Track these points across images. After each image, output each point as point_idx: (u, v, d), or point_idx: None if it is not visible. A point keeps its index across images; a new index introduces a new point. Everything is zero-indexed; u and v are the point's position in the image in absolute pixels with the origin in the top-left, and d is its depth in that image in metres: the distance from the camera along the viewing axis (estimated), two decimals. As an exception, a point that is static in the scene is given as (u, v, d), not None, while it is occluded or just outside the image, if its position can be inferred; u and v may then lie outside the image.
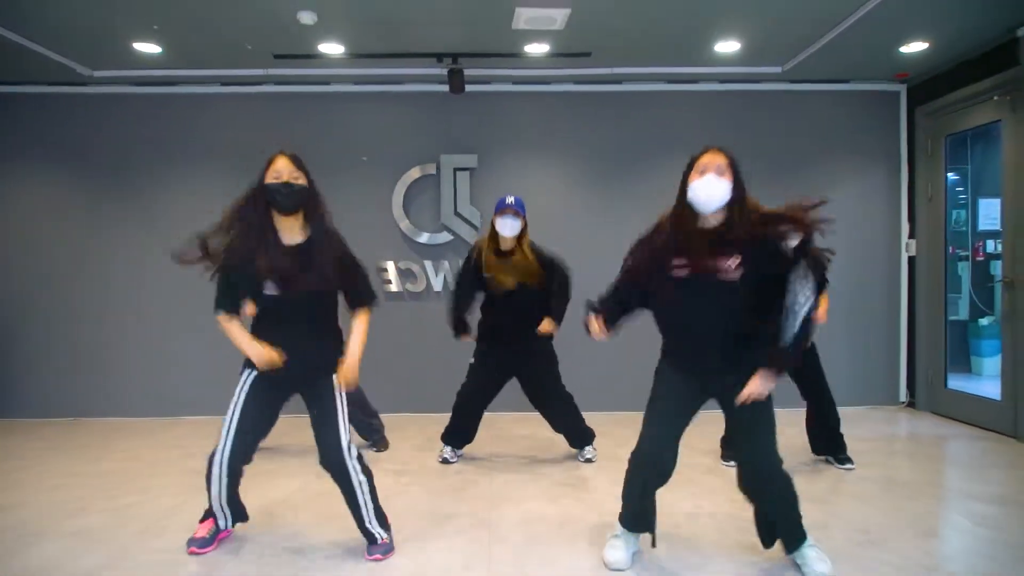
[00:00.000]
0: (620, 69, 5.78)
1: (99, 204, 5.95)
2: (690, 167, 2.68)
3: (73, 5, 4.37)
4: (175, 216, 5.88)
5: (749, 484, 2.76)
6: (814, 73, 5.80)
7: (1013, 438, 4.85)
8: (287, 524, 3.39)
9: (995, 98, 5.13)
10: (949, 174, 5.94)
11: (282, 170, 2.84)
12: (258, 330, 2.94)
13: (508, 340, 4.25)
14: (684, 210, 2.66)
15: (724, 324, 2.59)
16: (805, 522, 2.79)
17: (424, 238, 5.95)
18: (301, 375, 2.94)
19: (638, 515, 2.89)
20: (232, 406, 2.92)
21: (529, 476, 4.16)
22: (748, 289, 2.54)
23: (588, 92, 6.02)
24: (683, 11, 4.59)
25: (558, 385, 4.36)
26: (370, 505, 2.95)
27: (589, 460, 4.41)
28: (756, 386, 2.55)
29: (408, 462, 4.47)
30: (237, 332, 2.92)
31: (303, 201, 2.86)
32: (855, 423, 5.41)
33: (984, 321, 6.78)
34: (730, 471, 3.97)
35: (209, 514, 3.06)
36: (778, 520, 2.77)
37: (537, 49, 5.25)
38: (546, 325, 4.21)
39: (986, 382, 6.10)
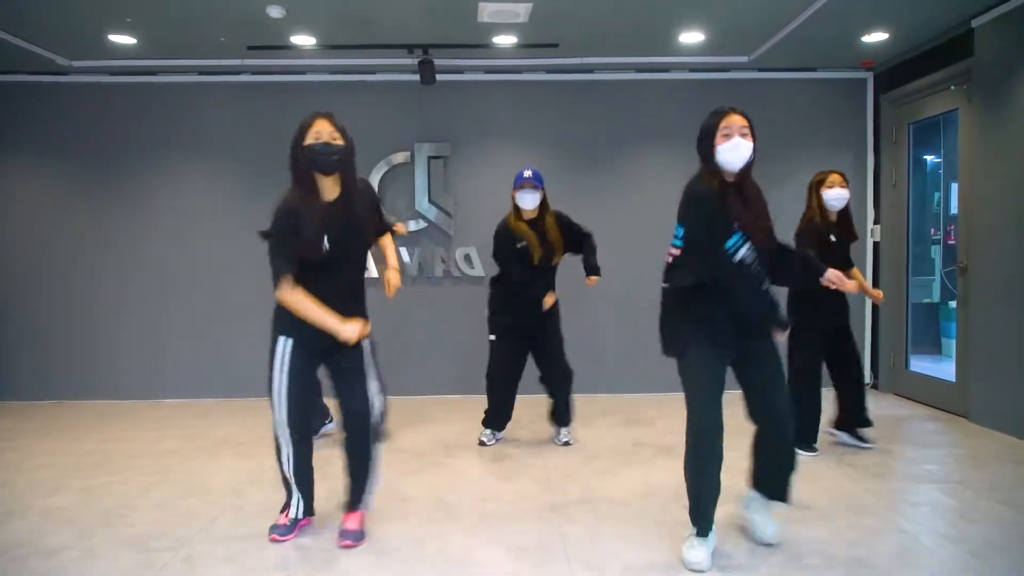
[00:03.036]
0: (589, 59, 5.88)
1: (81, 192, 6.08)
2: (712, 130, 2.75)
3: (46, -1, 4.48)
4: (157, 202, 6.10)
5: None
6: (781, 62, 5.90)
7: (964, 418, 5.01)
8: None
9: (952, 87, 5.24)
10: (927, 157, 6.05)
11: (322, 131, 2.88)
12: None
13: (526, 312, 4.39)
14: (719, 172, 2.76)
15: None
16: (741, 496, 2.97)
17: (399, 225, 6.07)
18: (335, 338, 2.87)
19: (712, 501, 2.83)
20: (278, 375, 2.96)
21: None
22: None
23: (559, 81, 6.12)
24: (642, 3, 4.68)
25: (564, 357, 4.52)
26: (375, 476, 3.06)
27: (566, 443, 4.53)
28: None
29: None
30: (312, 307, 2.82)
31: (344, 161, 2.91)
32: (817, 404, 5.56)
33: (953, 304, 6.93)
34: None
35: (287, 503, 3.14)
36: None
37: (505, 40, 5.35)
38: (594, 279, 4.48)
39: (953, 363, 6.26)
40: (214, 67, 5.92)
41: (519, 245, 4.36)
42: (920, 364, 6.01)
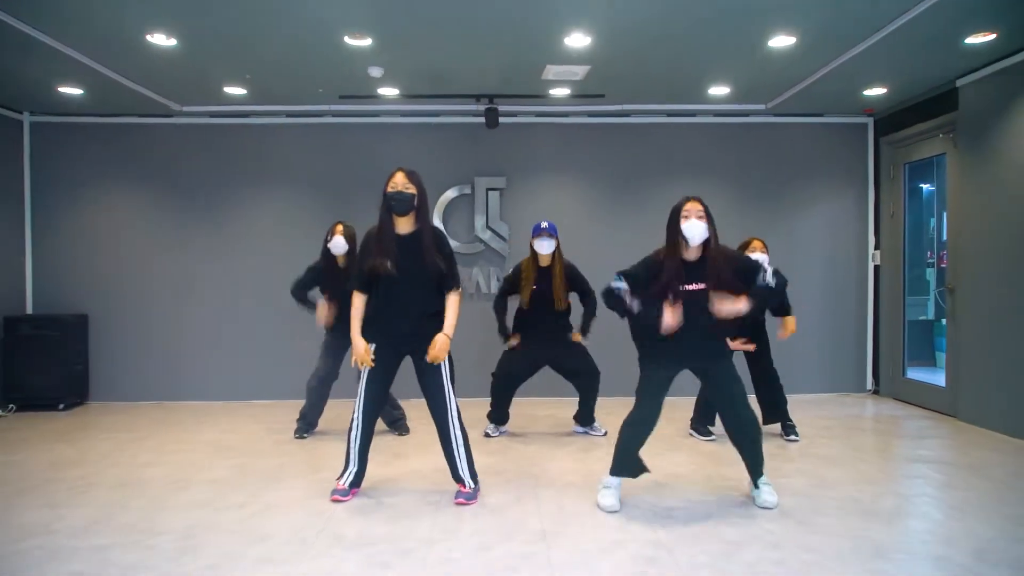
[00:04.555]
0: (628, 106, 6.80)
1: (181, 217, 6.96)
2: (677, 213, 3.68)
3: (182, 61, 5.35)
4: (245, 227, 6.95)
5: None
6: (794, 108, 6.80)
7: (954, 417, 5.87)
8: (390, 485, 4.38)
9: (940, 135, 6.14)
10: (924, 185, 6.95)
11: (398, 182, 3.75)
12: (378, 307, 3.80)
13: (540, 336, 5.23)
14: (679, 243, 3.66)
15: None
16: (776, 472, 3.79)
17: (460, 248, 6.94)
18: (413, 345, 3.81)
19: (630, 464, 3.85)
20: (363, 372, 3.86)
21: (555, 443, 5.16)
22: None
23: (601, 124, 7.03)
24: (682, 65, 5.59)
25: (589, 362, 5.28)
26: (464, 457, 3.87)
27: (604, 433, 5.36)
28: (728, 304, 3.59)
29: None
30: (354, 317, 3.83)
31: (412, 206, 3.77)
32: (827, 406, 6.46)
33: (945, 321, 7.78)
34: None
35: (344, 471, 3.95)
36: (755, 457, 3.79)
37: (560, 92, 6.27)
38: (577, 336, 5.27)
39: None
40: (301, 111, 6.83)
41: (532, 287, 5.15)
42: (916, 374, 6.86)
